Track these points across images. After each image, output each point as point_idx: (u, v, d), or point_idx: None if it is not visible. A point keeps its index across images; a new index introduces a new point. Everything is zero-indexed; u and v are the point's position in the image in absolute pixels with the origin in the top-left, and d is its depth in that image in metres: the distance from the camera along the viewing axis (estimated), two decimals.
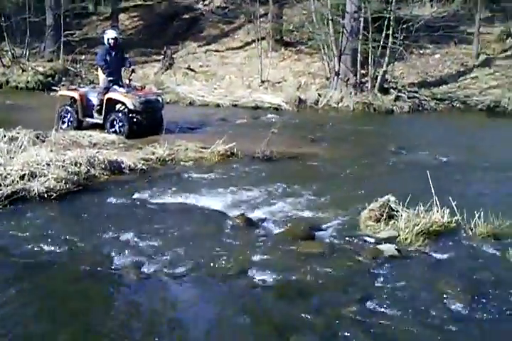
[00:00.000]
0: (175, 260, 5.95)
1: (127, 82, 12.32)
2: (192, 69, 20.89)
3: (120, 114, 11.80)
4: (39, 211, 7.36)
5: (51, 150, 9.21)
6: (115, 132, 11.71)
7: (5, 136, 9.94)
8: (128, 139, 11.37)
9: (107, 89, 11.95)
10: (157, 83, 19.16)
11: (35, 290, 5.45)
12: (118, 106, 11.92)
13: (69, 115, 12.40)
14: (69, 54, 21.08)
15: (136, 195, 8.15)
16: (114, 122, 11.82)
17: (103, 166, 9.07)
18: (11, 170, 8.10)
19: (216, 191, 8.40)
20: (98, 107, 12.03)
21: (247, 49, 22.45)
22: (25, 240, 6.39)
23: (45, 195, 7.75)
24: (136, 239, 6.47)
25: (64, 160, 8.68)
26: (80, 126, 12.30)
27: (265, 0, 21.28)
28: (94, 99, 12.18)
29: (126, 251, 6.13)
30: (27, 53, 21.01)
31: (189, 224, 7.03)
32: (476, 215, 6.85)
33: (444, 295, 5.26)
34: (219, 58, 21.98)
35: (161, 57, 21.55)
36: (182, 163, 10.04)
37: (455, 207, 6.97)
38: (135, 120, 11.68)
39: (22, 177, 7.97)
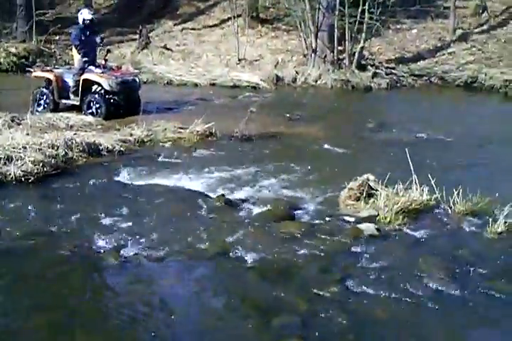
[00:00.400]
0: (154, 242, 5.95)
1: (103, 62, 12.13)
2: (168, 49, 20.67)
3: (97, 95, 11.64)
4: (16, 195, 7.29)
5: (27, 134, 9.13)
6: (92, 114, 11.56)
7: None
8: (105, 120, 11.25)
9: (82, 70, 11.75)
10: (134, 63, 18.93)
11: (13, 275, 5.41)
12: (94, 88, 11.72)
13: (44, 97, 12.16)
14: (42, 34, 20.70)
15: (114, 177, 8.12)
16: (91, 103, 11.65)
17: (81, 148, 8.98)
18: None
19: (195, 172, 8.36)
20: (74, 88, 11.83)
21: (223, 27, 22.23)
22: (4, 225, 6.34)
23: (23, 179, 7.68)
24: (115, 222, 6.46)
25: (41, 143, 8.60)
26: (56, 108, 12.08)
27: None
28: (70, 81, 11.96)
29: (106, 234, 6.11)
30: None
31: (168, 205, 7.01)
32: (455, 193, 6.90)
33: (424, 274, 5.32)
34: (195, 36, 21.76)
35: (137, 36, 21.31)
36: (160, 143, 9.98)
37: (434, 185, 7.02)
38: (112, 101, 11.55)
39: None
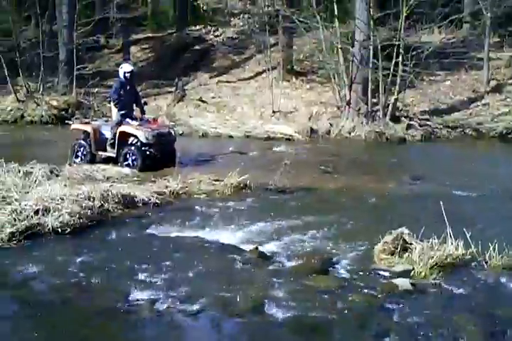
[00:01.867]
0: (189, 296, 5.94)
1: (140, 115, 12.40)
2: (204, 101, 21.02)
3: (133, 147, 11.84)
4: (53, 246, 7.40)
5: (65, 185, 9.28)
6: (128, 165, 11.76)
7: (20, 171, 10.02)
8: (141, 172, 11.42)
9: (119, 123, 12.01)
10: (169, 115, 19.29)
11: (49, 328, 5.46)
12: (131, 140, 11.94)
13: (82, 149, 12.42)
14: (82, 87, 21.27)
15: (149, 230, 8.19)
16: (127, 155, 11.86)
17: (116, 200, 9.10)
18: (26, 205, 8.15)
19: (229, 224, 8.40)
20: (111, 141, 12.08)
21: (258, 79, 22.57)
22: (40, 276, 6.45)
23: (60, 230, 7.78)
24: (150, 275, 6.48)
25: (78, 195, 8.74)
26: (93, 160, 12.32)
27: (275, 30, 21.44)
28: (107, 133, 12.25)
29: (140, 287, 6.14)
30: (41, 88, 21.23)
31: (203, 258, 7.01)
32: (491, 247, 6.81)
33: (459, 332, 5.20)
34: (230, 89, 22.11)
35: (173, 88, 21.73)
36: (195, 195, 10.06)
37: (469, 239, 6.93)
38: (148, 153, 11.73)
39: (36, 212, 8.01)
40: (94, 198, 8.82)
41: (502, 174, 12.14)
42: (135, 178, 10.97)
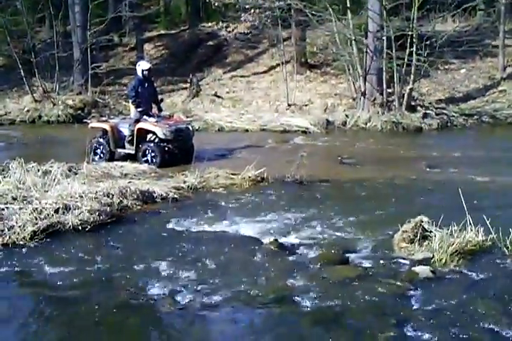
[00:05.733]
0: (210, 289, 5.96)
1: (157, 111, 12.45)
2: (219, 96, 21.06)
3: (151, 144, 11.90)
4: (74, 243, 7.43)
5: (84, 183, 9.35)
6: (147, 162, 11.81)
7: (39, 170, 10.08)
8: (159, 168, 11.45)
9: (137, 120, 12.07)
10: (185, 111, 19.32)
11: (72, 323, 5.51)
12: (149, 136, 12.00)
13: (101, 147, 12.48)
14: (97, 86, 21.38)
15: (169, 225, 8.22)
16: (146, 152, 11.92)
17: (135, 196, 9.16)
18: (46, 203, 8.21)
19: (248, 217, 8.41)
20: (129, 138, 12.13)
21: (272, 73, 22.58)
22: (62, 273, 6.48)
23: (80, 228, 7.83)
24: (171, 269, 6.52)
25: (96, 192, 8.79)
26: (112, 158, 12.36)
27: (287, 24, 21.40)
28: (125, 130, 12.29)
29: (162, 281, 6.18)
30: (57, 87, 21.37)
31: (223, 251, 7.05)
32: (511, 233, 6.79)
33: (481, 317, 5.19)
34: (245, 83, 22.13)
35: (188, 84, 21.78)
36: (213, 190, 10.09)
37: (489, 225, 6.92)
38: (166, 149, 11.79)
39: (57, 211, 8.07)
40: (113, 195, 8.88)
41: None
42: (153, 174, 11.00)
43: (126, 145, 12.27)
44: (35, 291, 6.16)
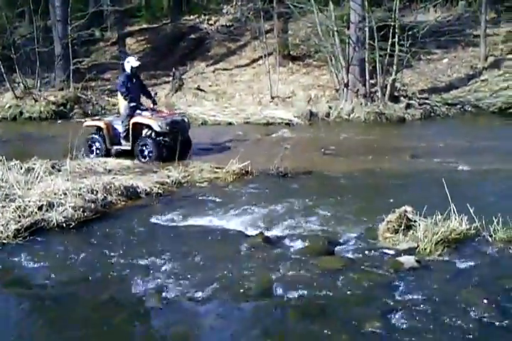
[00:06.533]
0: (196, 283, 5.95)
1: (151, 105, 12.38)
2: (201, 90, 21.01)
3: (148, 138, 11.80)
4: (58, 241, 7.40)
5: (67, 180, 9.27)
6: (144, 157, 11.71)
7: (21, 168, 10.02)
8: (143, 163, 11.40)
9: (131, 115, 11.97)
10: (168, 105, 19.25)
11: (58, 320, 5.49)
12: (145, 131, 11.91)
13: (97, 144, 12.38)
14: (79, 81, 21.26)
15: (153, 220, 8.19)
16: (143, 147, 11.79)
17: (119, 192, 9.12)
18: (29, 201, 8.14)
19: (233, 211, 8.41)
20: (124, 133, 12.03)
21: (254, 66, 22.57)
22: (46, 271, 6.46)
23: (64, 225, 7.78)
24: (156, 264, 6.50)
25: (80, 189, 8.73)
26: (108, 155, 12.28)
27: (269, 16, 21.37)
28: (120, 127, 12.19)
29: (147, 277, 6.15)
30: (38, 84, 21.22)
31: (208, 245, 7.04)
32: (495, 221, 6.83)
33: (467, 305, 5.21)
34: (228, 76, 22.10)
35: (170, 78, 21.72)
36: (197, 184, 10.07)
37: (473, 214, 6.94)
38: (163, 142, 11.68)
39: (40, 208, 8.00)
40: (97, 191, 8.83)
41: (504, 149, 12.10)
42: (137, 170, 10.95)
43: (122, 141, 12.17)
44: (19, 290, 6.14)
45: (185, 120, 12.53)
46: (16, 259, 6.80)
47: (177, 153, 11.03)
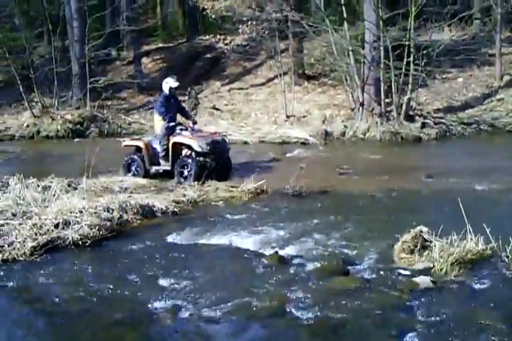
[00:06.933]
0: (211, 302, 5.94)
1: (191, 124, 12.25)
2: (217, 109, 21.12)
3: (188, 159, 11.54)
4: (74, 259, 7.42)
5: (83, 198, 9.33)
6: (185, 178, 11.39)
7: (38, 186, 10.08)
8: (158, 182, 11.41)
9: (169, 135, 11.74)
10: (183, 123, 19.32)
11: (70, 338, 5.49)
12: (184, 151, 11.71)
13: (135, 164, 12.17)
14: (95, 100, 21.45)
15: (169, 238, 8.21)
16: (183, 167, 11.54)
17: (135, 211, 9.15)
18: (46, 219, 8.21)
19: (248, 230, 8.41)
20: (163, 153, 11.80)
21: (270, 85, 22.67)
22: (62, 288, 6.47)
23: (80, 243, 7.82)
24: (171, 283, 6.51)
25: (96, 207, 8.79)
26: (147, 175, 12.04)
27: (285, 35, 21.50)
28: (158, 147, 11.97)
29: (162, 295, 6.16)
30: (56, 102, 21.46)
31: (223, 265, 7.06)
32: None
33: (483, 327, 5.17)
34: (243, 96, 22.21)
35: (186, 97, 21.83)
36: (213, 203, 10.08)
37: (489, 234, 6.91)
38: (203, 163, 11.36)
39: (56, 226, 8.06)
40: (113, 209, 8.88)
41: None
42: (152, 188, 10.98)
43: (161, 161, 11.93)
44: (35, 307, 6.15)
45: (226, 140, 12.35)
46: (31, 276, 6.84)
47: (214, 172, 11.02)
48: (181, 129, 11.87)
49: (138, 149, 12.29)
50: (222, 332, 5.48)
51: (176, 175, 11.58)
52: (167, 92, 12.03)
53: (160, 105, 12.00)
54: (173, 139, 11.71)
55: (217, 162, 11.56)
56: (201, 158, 11.40)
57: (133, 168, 12.22)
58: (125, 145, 12.76)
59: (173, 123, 11.81)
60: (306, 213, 9.24)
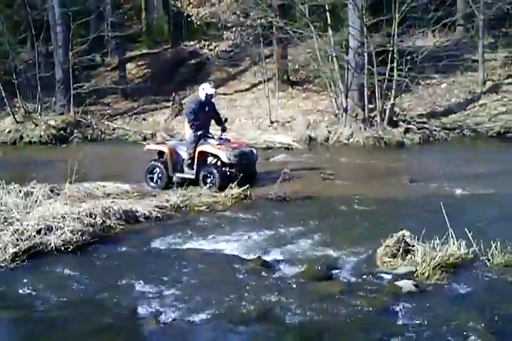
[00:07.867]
0: (194, 307, 5.93)
1: (219, 133, 11.78)
2: None
3: (213, 168, 11.18)
4: (57, 264, 7.37)
5: (66, 203, 9.29)
6: (210, 188, 10.99)
7: (20, 192, 9.99)
8: (142, 188, 11.36)
9: (195, 143, 11.38)
10: (167, 130, 19.36)
11: None
12: (210, 160, 11.38)
13: (158, 171, 11.69)
14: (79, 106, 21.41)
15: (152, 244, 8.19)
16: (207, 176, 11.17)
17: (118, 216, 9.11)
18: (28, 224, 8.14)
19: (231, 235, 8.41)
20: (189, 161, 11.38)
21: (254, 91, 22.69)
22: (44, 294, 6.44)
23: (62, 248, 7.76)
24: (154, 288, 6.49)
25: (79, 212, 8.73)
26: (169, 183, 11.59)
27: (269, 41, 21.54)
28: (184, 153, 11.57)
29: (146, 300, 6.14)
30: (39, 108, 21.35)
31: (206, 270, 7.04)
32: (493, 246, 6.84)
33: (465, 330, 5.19)
34: (227, 101, 22.18)
35: (170, 103, 21.83)
36: (196, 208, 10.06)
37: (471, 239, 6.96)
38: (229, 173, 11.05)
39: (39, 232, 7.99)
40: (95, 215, 8.82)
41: (502, 174, 12.10)
42: (135, 194, 10.92)
43: (186, 169, 11.47)
44: (16, 313, 6.11)
45: (254, 152, 11.82)
46: (13, 282, 6.79)
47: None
48: (208, 137, 11.49)
49: (160, 154, 11.93)
50: (205, 336, 5.49)
51: (200, 183, 11.23)
52: (203, 98, 11.58)
53: (190, 111, 11.57)
54: (201, 147, 11.35)
55: (244, 173, 11.11)
56: (227, 169, 11.13)
57: (155, 176, 11.75)
58: (148, 149, 12.40)
59: (200, 132, 11.34)
60: (290, 218, 9.26)
